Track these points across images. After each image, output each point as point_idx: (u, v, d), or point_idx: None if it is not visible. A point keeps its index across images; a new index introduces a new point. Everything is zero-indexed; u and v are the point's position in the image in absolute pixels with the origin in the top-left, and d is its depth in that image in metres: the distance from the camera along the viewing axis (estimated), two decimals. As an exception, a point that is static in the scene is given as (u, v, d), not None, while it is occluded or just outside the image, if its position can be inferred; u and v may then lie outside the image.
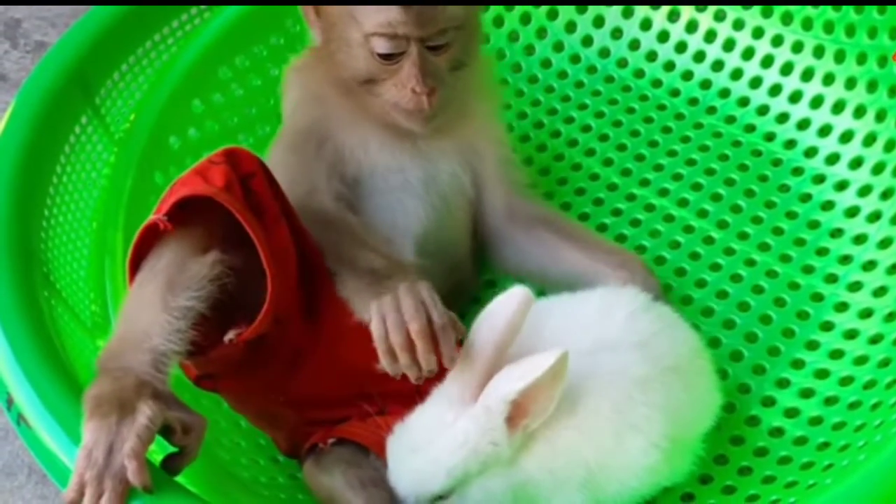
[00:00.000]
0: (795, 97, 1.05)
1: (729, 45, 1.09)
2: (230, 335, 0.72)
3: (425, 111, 0.79)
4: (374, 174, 0.84)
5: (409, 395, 0.76)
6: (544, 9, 1.13)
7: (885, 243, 0.93)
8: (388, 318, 0.68)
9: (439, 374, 0.70)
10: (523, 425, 0.67)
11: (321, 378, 0.78)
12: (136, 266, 0.69)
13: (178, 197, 0.67)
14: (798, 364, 0.87)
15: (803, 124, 1.04)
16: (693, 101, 1.09)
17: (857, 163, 0.99)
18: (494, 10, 1.13)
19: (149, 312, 0.67)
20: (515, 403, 0.66)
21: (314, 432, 0.79)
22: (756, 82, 1.07)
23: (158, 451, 0.67)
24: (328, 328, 0.77)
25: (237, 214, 0.67)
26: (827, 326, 0.89)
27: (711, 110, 1.08)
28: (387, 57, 0.77)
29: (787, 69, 1.06)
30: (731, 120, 1.07)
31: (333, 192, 0.82)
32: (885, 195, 0.95)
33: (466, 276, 0.91)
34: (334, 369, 0.78)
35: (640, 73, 1.12)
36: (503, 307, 0.68)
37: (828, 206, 0.98)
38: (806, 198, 0.99)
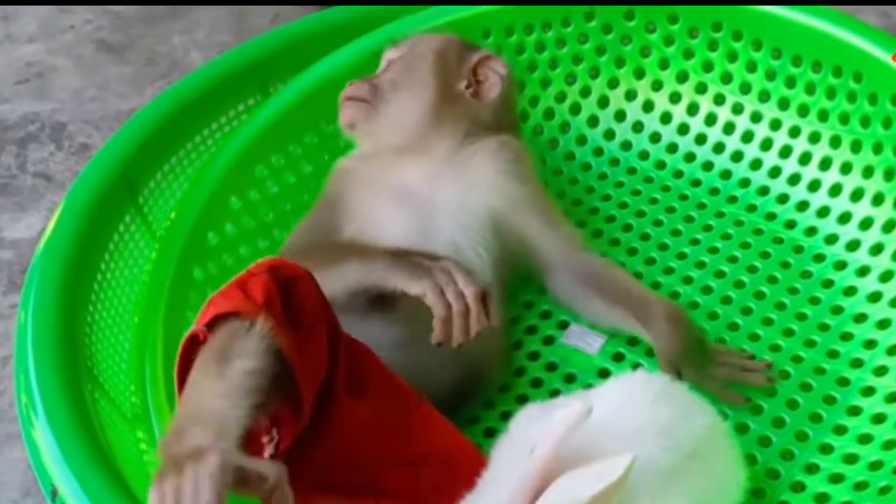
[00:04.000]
0: (814, 185, 1.07)
1: (747, 137, 1.12)
2: (270, 450, 0.72)
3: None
4: (371, 235, 0.89)
5: (408, 493, 0.77)
6: (567, 104, 1.17)
7: (909, 328, 0.94)
8: (448, 289, 0.78)
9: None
10: None
11: (321, 466, 0.77)
12: (182, 377, 0.69)
13: (217, 311, 0.68)
14: (827, 449, 0.88)
15: (823, 212, 1.06)
16: (714, 191, 1.12)
17: (877, 249, 1.01)
18: (519, 105, 1.17)
19: (204, 388, 0.65)
20: None
21: None
22: (775, 172, 1.10)
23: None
24: (336, 420, 0.77)
25: (275, 336, 0.68)
26: (854, 411, 0.90)
27: (732, 199, 1.10)
28: None
29: (805, 159, 1.08)
30: (752, 208, 1.09)
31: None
32: (907, 280, 0.97)
33: (486, 366, 0.91)
34: (335, 460, 0.77)
35: (661, 165, 1.15)
36: (561, 416, 0.68)
37: (850, 291, 1.00)
38: (828, 284, 1.01)
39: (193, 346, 0.69)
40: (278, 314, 0.70)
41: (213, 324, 0.68)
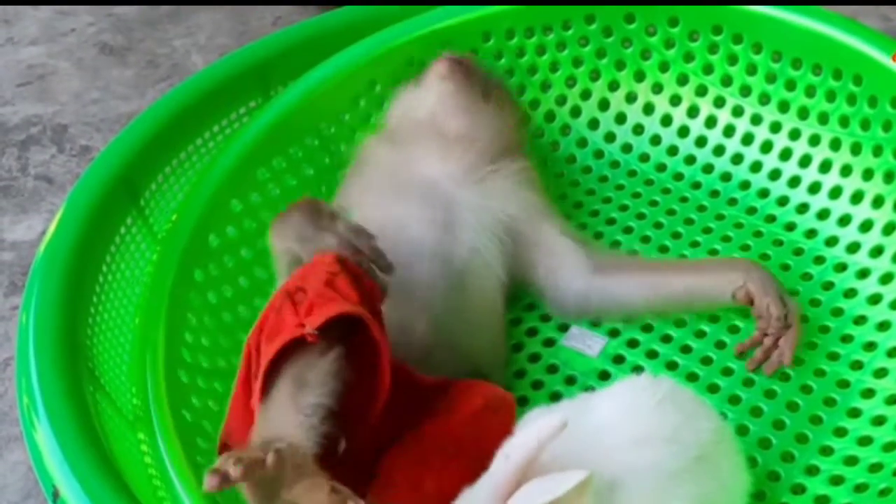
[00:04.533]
0: (814, 188, 1.08)
1: (748, 140, 1.12)
2: (343, 446, 0.74)
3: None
4: (386, 238, 0.88)
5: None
6: (567, 107, 1.18)
7: (909, 330, 0.94)
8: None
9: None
10: None
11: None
12: (267, 373, 0.72)
13: (330, 315, 0.71)
14: (827, 451, 0.88)
15: (823, 214, 1.06)
16: (714, 193, 1.12)
17: (877, 251, 1.01)
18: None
19: (281, 416, 0.69)
20: None
21: None
22: (775, 174, 1.10)
23: None
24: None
25: (373, 330, 0.73)
26: (854, 413, 0.90)
27: (732, 202, 1.11)
28: None
29: (805, 161, 1.09)
30: (752, 211, 1.09)
31: None
32: (907, 282, 0.97)
33: (488, 367, 0.93)
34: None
35: (661, 167, 1.15)
36: (537, 426, 0.69)
37: (850, 293, 1.00)
38: (828, 286, 1.01)
39: (293, 343, 0.71)
40: (366, 309, 0.74)
41: (322, 327, 0.71)
